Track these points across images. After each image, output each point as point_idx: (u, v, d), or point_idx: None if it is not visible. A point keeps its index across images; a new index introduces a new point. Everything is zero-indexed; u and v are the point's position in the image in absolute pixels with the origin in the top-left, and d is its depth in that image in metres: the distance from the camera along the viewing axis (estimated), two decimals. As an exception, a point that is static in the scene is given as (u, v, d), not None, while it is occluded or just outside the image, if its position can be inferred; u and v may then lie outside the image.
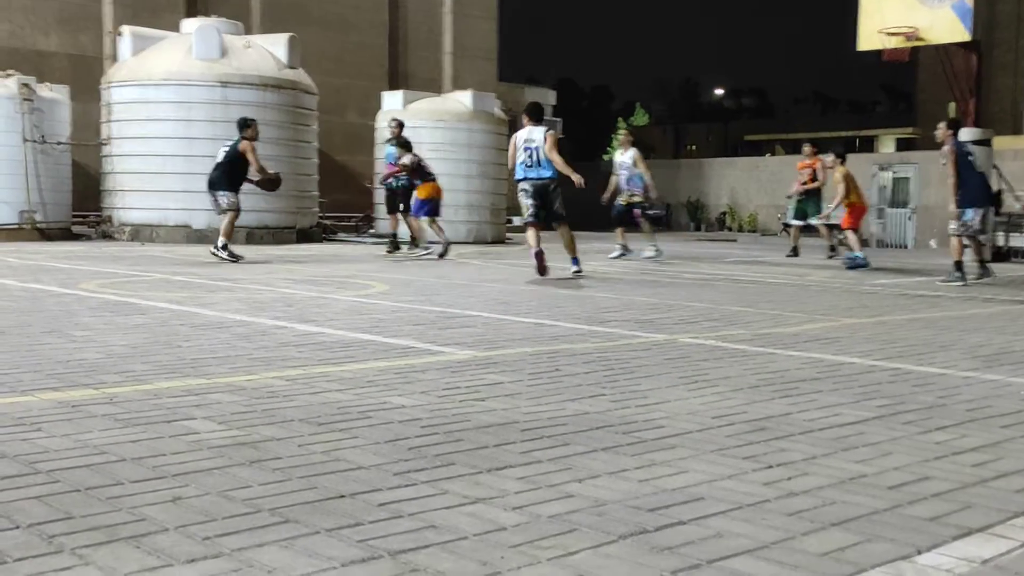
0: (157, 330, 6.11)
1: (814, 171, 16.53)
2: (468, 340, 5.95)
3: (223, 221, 13.31)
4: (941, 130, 11.84)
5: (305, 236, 18.92)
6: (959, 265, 11.42)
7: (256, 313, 7.16)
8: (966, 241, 11.82)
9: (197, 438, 3.34)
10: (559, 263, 11.66)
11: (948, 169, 11.61)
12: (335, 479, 2.86)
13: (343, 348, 5.52)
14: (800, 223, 16.75)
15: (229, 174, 13.46)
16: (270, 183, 13.88)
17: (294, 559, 2.20)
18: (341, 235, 21.11)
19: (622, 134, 17.42)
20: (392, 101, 21.47)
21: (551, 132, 11.35)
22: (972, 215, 11.52)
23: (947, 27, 16.62)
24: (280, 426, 3.54)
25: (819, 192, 16.66)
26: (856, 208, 14.37)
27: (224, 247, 12.99)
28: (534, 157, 11.18)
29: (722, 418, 3.84)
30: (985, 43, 19.58)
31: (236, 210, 13.42)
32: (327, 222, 21.21)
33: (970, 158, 11.75)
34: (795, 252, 16.54)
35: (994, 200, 12.27)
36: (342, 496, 2.69)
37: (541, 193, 11.29)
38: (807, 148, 17.11)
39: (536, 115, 11.43)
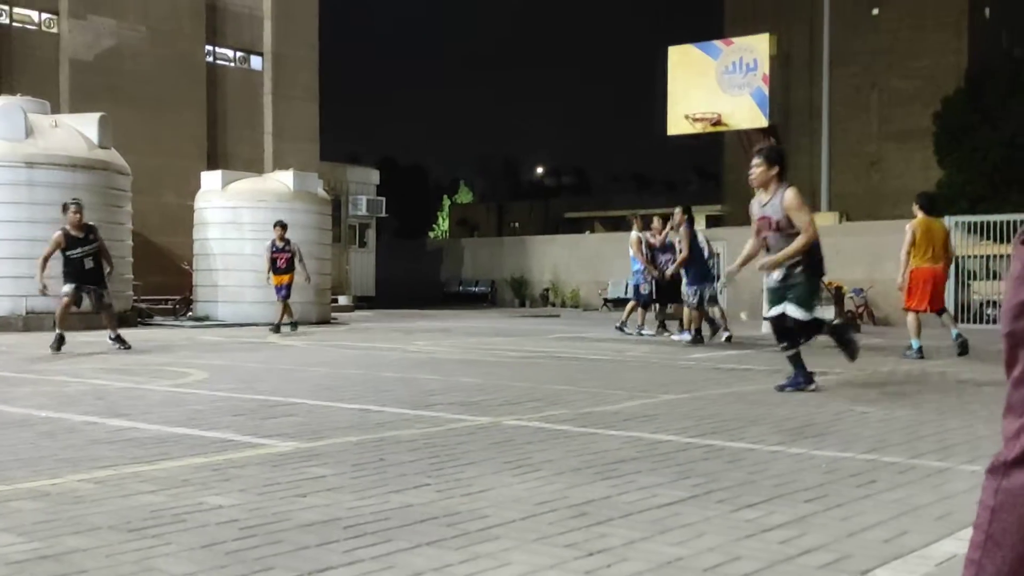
0: (-49, 431, 5.71)
1: None
2: (290, 430, 5.83)
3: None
4: (678, 215, 14.35)
5: (119, 321, 18.13)
6: (698, 331, 14.30)
7: (63, 408, 6.80)
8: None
9: (-6, 553, 3.13)
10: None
11: (684, 248, 14.09)
12: (146, 592, 2.73)
13: (157, 444, 5.30)
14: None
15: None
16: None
17: None
18: (157, 318, 20.38)
19: (678, 214, 14.96)
20: (211, 181, 21.09)
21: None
22: (687, 290, 14.31)
23: (747, 114, 17.74)
24: (87, 535, 3.37)
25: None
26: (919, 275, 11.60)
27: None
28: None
29: (545, 504, 3.89)
30: (783, 127, 20.98)
31: (64, 297, 12.57)
32: (143, 305, 20.46)
33: (697, 241, 14.19)
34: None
35: (712, 278, 14.73)
36: (153, 611, 2.57)
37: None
38: None
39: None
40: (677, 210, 14.84)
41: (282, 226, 16.79)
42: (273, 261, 16.70)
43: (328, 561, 3.07)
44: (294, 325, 16.91)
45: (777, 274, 8.00)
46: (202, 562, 3.05)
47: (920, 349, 11.60)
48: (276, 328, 16.60)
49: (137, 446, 5.24)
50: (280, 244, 16.70)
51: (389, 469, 4.61)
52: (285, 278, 16.70)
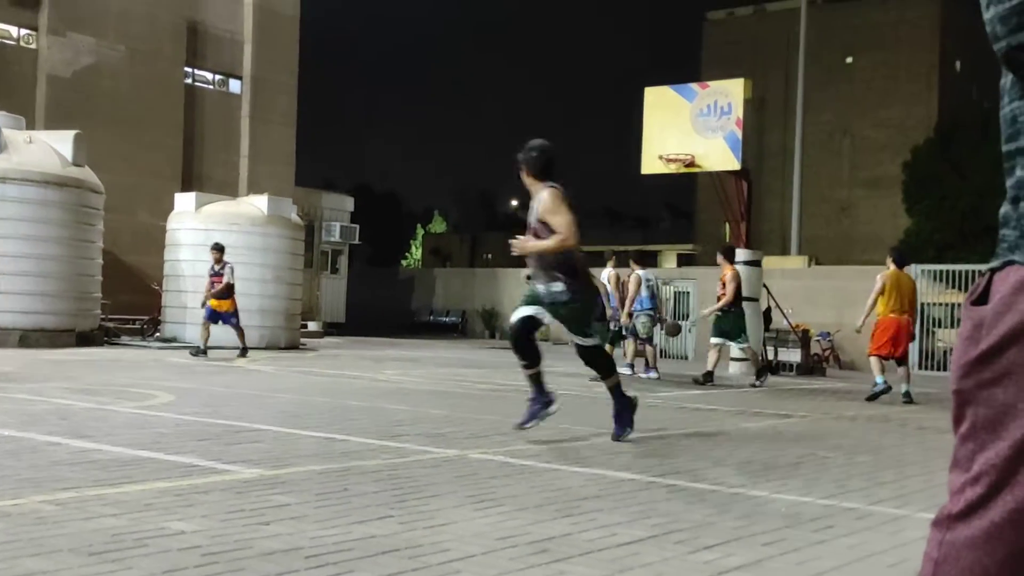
0: (-88, 447, 5.67)
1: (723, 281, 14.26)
2: (255, 457, 5.82)
3: None
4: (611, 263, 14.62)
5: (85, 339, 18.03)
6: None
7: (26, 427, 6.76)
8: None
9: (-48, 573, 3.12)
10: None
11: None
12: (105, 617, 2.74)
13: (120, 467, 5.28)
14: (718, 341, 14.51)
15: None
16: None
17: None
18: (125, 338, 20.23)
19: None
20: (185, 203, 21.03)
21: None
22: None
23: (720, 156, 17.96)
24: (47, 557, 3.36)
25: (738, 306, 14.40)
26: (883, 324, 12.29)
27: None
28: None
29: (506, 540, 3.92)
30: (755, 170, 21.32)
31: None
32: (110, 324, 20.30)
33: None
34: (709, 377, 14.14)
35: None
36: (112, 636, 2.58)
37: None
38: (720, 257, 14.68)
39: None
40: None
41: (218, 248, 16.46)
42: (212, 285, 16.32)
43: (289, 591, 3.08)
44: (244, 351, 16.46)
45: (542, 286, 7.13)
46: (162, 588, 3.05)
47: (885, 382, 12.07)
48: (243, 352, 16.45)
49: (100, 468, 5.22)
50: (217, 267, 16.30)
51: (353, 499, 4.62)
52: (226, 303, 16.29)
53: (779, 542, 4.07)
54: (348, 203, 33.15)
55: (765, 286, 18.63)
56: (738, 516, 4.60)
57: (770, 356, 18.87)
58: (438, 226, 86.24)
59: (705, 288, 25.42)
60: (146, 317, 21.92)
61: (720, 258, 14.68)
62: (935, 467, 6.56)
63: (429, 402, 9.95)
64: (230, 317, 16.36)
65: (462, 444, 6.77)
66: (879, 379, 12.09)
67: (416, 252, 78.50)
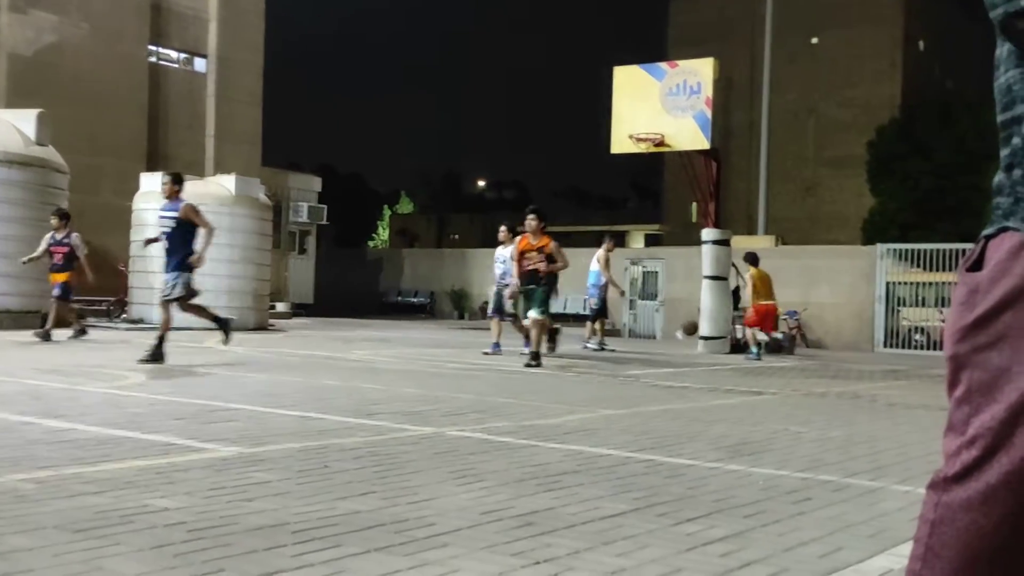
0: None
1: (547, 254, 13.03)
2: (232, 435, 5.81)
3: None
4: (167, 186, 11.06)
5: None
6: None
7: (-2, 408, 6.69)
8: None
9: (-63, 552, 3.09)
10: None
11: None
12: (96, 592, 2.73)
13: (98, 446, 5.25)
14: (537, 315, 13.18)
15: None
16: None
17: None
18: (91, 319, 20.00)
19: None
20: (150, 182, 20.78)
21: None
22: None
23: (689, 135, 18.03)
24: (31, 534, 3.34)
25: (553, 279, 13.52)
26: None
27: None
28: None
29: (490, 513, 3.94)
30: (723, 149, 21.34)
31: None
32: (76, 306, 20.06)
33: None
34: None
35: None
36: (105, 611, 2.58)
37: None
38: (532, 222, 13.17)
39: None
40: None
41: (59, 215, 14.75)
42: (50, 255, 14.66)
43: (278, 564, 3.09)
44: (80, 331, 14.97)
45: None
46: (152, 563, 3.05)
47: (759, 352, 15.82)
48: (45, 335, 14.26)
49: (77, 447, 5.18)
50: (59, 237, 14.56)
51: (334, 476, 4.63)
52: (61, 277, 14.62)
53: (759, 514, 4.13)
54: (315, 183, 32.94)
55: (734, 265, 18.75)
56: (717, 490, 4.65)
57: (738, 335, 19.01)
58: (405, 207, 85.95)
59: (673, 267, 25.58)
60: (112, 298, 21.70)
61: (535, 222, 13.14)
62: (908, 441, 6.66)
63: (402, 381, 9.95)
64: (54, 288, 14.71)
65: (438, 422, 6.78)
66: (754, 348, 15.87)
67: (383, 233, 78.22)
